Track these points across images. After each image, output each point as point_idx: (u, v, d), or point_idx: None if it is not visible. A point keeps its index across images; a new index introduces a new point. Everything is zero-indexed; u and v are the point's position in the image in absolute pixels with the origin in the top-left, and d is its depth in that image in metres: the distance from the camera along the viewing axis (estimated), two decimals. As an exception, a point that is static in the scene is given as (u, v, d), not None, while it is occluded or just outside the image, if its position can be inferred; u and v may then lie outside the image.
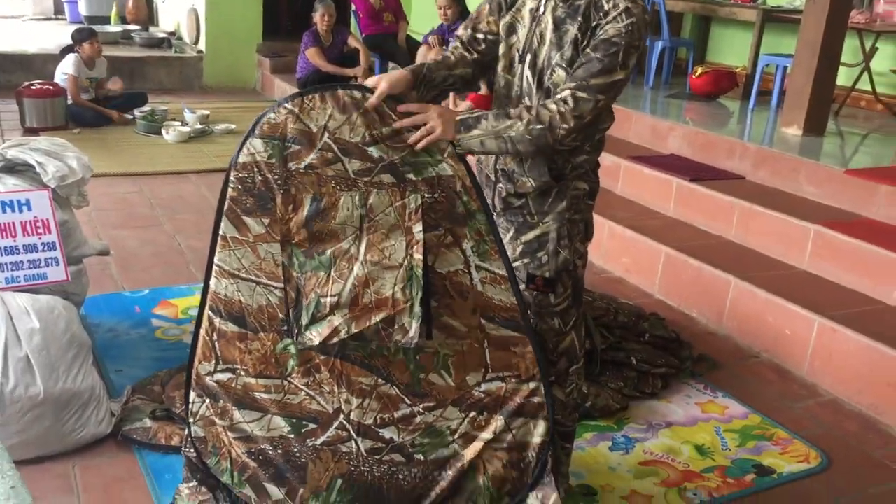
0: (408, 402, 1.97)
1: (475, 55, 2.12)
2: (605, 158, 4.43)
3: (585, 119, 1.87)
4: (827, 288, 3.50)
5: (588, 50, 1.88)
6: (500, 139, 1.88)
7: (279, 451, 2.03)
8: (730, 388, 3.11)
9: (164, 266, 3.96)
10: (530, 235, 2.07)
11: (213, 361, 2.03)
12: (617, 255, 4.14)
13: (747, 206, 3.97)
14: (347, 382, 1.98)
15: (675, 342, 3.31)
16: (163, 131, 6.27)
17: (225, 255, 1.98)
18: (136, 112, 6.56)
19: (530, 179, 2.02)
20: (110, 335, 3.22)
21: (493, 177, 2.10)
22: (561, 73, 1.94)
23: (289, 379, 2.00)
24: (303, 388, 1.99)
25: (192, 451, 2.10)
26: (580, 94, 1.85)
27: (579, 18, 1.92)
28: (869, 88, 5.62)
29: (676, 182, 4.32)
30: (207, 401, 2.05)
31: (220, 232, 1.98)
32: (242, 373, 2.02)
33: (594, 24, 1.90)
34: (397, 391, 1.97)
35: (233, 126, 6.62)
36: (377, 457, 2.00)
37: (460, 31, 2.17)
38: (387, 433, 1.99)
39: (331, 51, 6.99)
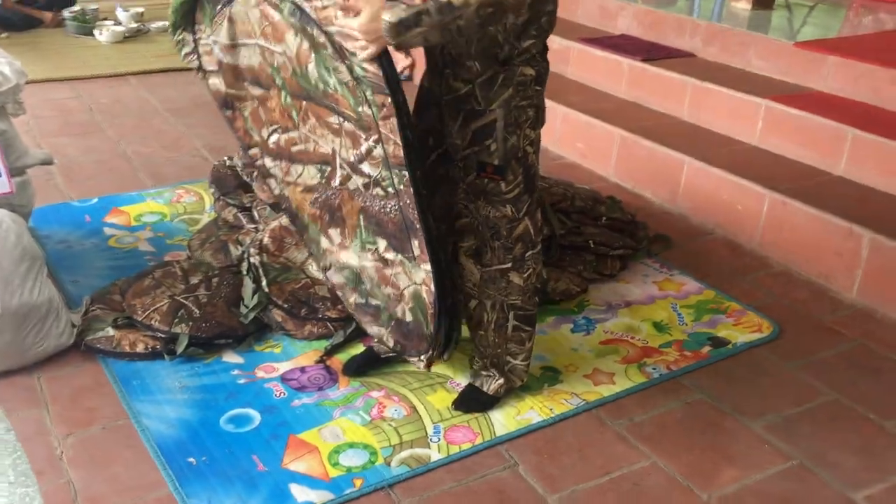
0: (362, 136, 2.07)
1: None
2: (554, 41, 4.38)
3: None
4: (777, 162, 3.55)
5: None
6: (446, 30, 1.81)
7: (323, 196, 2.29)
8: (685, 266, 3.18)
9: (110, 173, 3.87)
10: (479, 123, 2.05)
11: (266, 126, 2.31)
12: (571, 139, 4.13)
13: (699, 84, 3.96)
14: (326, 125, 2.15)
15: (632, 223, 3.35)
16: (95, 32, 6.00)
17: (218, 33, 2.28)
18: (66, 13, 6.25)
19: (476, 64, 1.99)
20: (62, 246, 3.16)
21: (439, 63, 2.06)
22: None
23: (300, 129, 2.23)
24: (309, 134, 2.20)
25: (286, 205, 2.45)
26: None
27: None
28: (816, -42, 5.56)
29: (627, 63, 4.29)
30: (277, 162, 2.37)
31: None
32: (280, 130, 2.29)
33: None
34: (353, 126, 2.08)
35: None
36: (370, 191, 2.15)
37: None
38: (365, 168, 2.12)
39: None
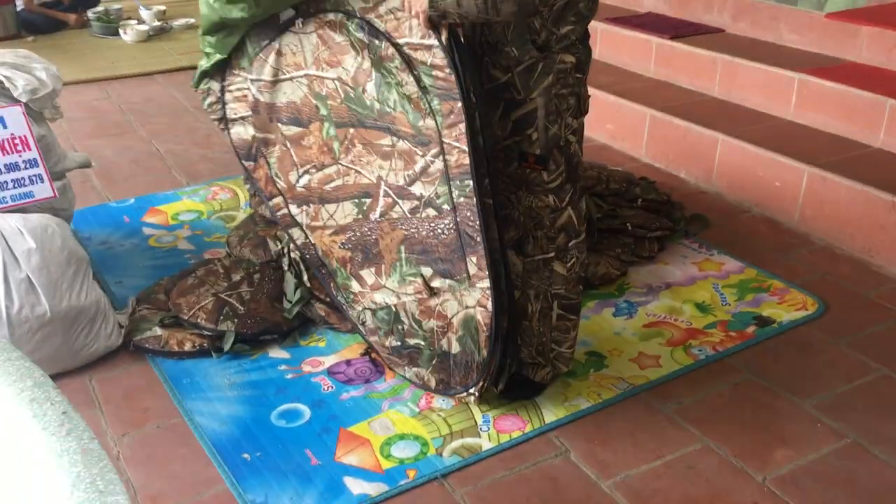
0: (419, 152, 2.05)
1: None
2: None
3: None
4: (814, 136, 3.51)
5: None
6: (482, 2, 1.79)
7: (358, 235, 2.25)
8: (724, 245, 3.16)
9: (145, 173, 3.90)
10: (519, 113, 2.04)
11: (295, 169, 2.26)
12: (601, 121, 4.11)
13: (729, 60, 3.92)
14: (374, 149, 2.12)
15: (668, 204, 3.33)
16: (120, 32, 6.04)
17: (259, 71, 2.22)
18: (90, 13, 6.30)
19: (513, 49, 1.98)
20: (103, 248, 3.20)
21: (478, 51, 2.06)
22: None
23: (340, 162, 2.19)
24: (351, 165, 2.17)
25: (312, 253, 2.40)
26: None
27: None
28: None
29: (656, 41, 4.25)
30: (304, 208, 2.31)
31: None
32: (313, 170, 2.24)
33: None
34: (409, 144, 2.05)
35: (192, 20, 6.38)
36: (418, 215, 2.12)
37: None
38: (416, 190, 2.09)
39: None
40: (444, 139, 1.97)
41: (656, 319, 2.71)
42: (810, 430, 2.24)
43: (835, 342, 2.60)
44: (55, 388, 1.05)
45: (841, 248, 3.12)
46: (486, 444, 2.20)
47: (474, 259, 2.05)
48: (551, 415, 2.29)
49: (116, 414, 2.34)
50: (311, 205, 2.30)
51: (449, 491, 2.06)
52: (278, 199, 2.35)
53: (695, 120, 3.68)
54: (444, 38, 1.87)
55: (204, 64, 2.33)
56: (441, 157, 1.99)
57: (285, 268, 2.78)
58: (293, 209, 2.34)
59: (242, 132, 2.33)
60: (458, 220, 2.03)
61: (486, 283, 2.05)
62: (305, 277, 2.72)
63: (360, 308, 2.36)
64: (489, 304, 2.07)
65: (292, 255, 2.78)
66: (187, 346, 2.56)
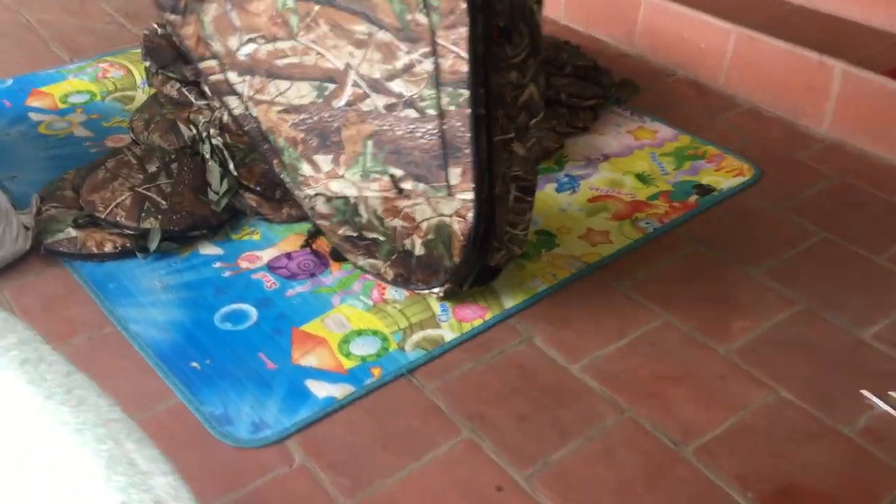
0: (404, 48, 1.84)
1: None
2: None
3: None
4: (737, -5, 3.44)
5: None
6: None
7: (315, 119, 2.00)
8: (655, 111, 3.10)
9: (18, 49, 3.47)
10: None
11: (237, 34, 1.96)
12: (515, -20, 3.90)
13: (647, -87, 3.76)
14: (345, 34, 1.87)
15: (595, 70, 3.23)
16: None
17: None
18: None
19: None
20: (-13, 138, 2.86)
21: None
22: None
23: (298, 38, 1.91)
24: (312, 45, 1.91)
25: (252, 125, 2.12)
26: None
27: None
28: None
29: None
30: (247, 78, 2.02)
31: None
32: (261, 40, 1.95)
33: None
34: (391, 37, 1.84)
35: None
36: (395, 113, 1.92)
37: None
38: (395, 87, 1.89)
39: None
40: (437, 40, 1.75)
41: (600, 193, 2.66)
42: (762, 298, 2.27)
43: (774, 207, 2.62)
44: (46, 344, 0.88)
45: (768, 110, 3.12)
46: (448, 335, 2.12)
47: (459, 170, 1.90)
48: (510, 300, 2.23)
49: (39, 326, 2.09)
50: (255, 76, 2.03)
51: (418, 387, 1.99)
52: (212, 63, 2.06)
53: (615, -22, 3.54)
54: None
55: None
56: (432, 59, 1.78)
57: (207, 155, 2.55)
58: (231, 76, 2.05)
59: None
60: (445, 128, 1.85)
61: (470, 196, 1.92)
62: (231, 165, 2.51)
63: (310, 192, 2.18)
64: (469, 216, 1.94)
65: (213, 140, 2.55)
66: (108, 248, 2.34)
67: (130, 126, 2.86)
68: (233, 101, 2.11)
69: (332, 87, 1.96)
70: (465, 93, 1.80)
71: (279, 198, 2.50)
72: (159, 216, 2.38)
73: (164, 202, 2.42)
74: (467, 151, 1.87)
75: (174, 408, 1.92)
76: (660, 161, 2.82)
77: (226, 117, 2.59)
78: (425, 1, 1.73)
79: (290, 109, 2.04)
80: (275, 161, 2.16)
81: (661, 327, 2.17)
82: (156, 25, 3.13)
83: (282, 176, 2.19)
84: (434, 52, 1.79)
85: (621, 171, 2.76)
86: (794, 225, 2.55)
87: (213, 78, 2.09)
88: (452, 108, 1.83)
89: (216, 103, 2.70)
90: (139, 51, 3.29)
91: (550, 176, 2.72)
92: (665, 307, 2.23)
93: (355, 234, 2.17)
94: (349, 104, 1.96)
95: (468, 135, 1.85)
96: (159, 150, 2.63)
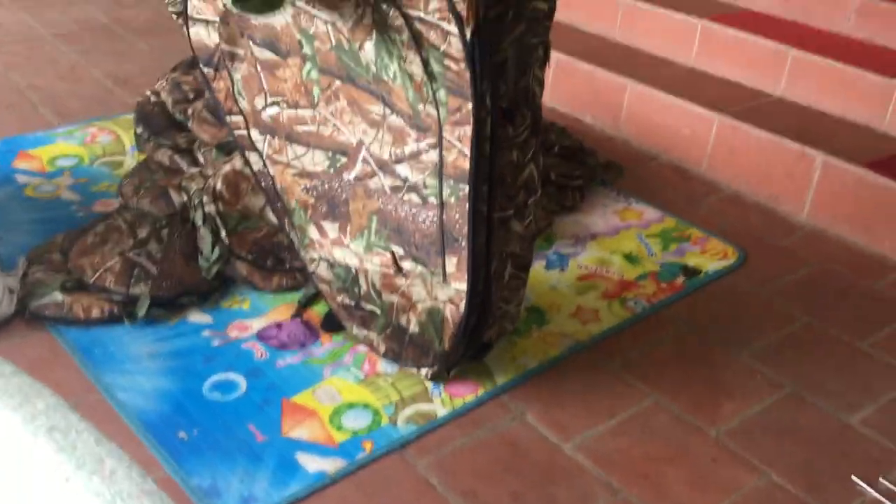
0: (413, 136, 1.85)
1: None
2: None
3: None
4: (718, 84, 3.56)
5: None
6: None
7: (325, 187, 2.01)
8: (639, 193, 3.16)
9: (6, 111, 3.47)
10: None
11: (263, 95, 1.96)
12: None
13: (630, 4, 3.90)
14: (361, 112, 1.88)
15: (581, 151, 3.29)
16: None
17: None
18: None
19: None
20: (-27, 199, 2.83)
21: None
22: None
23: (318, 109, 1.92)
24: (330, 117, 1.92)
25: (268, 183, 2.15)
26: None
27: None
28: None
29: (554, -19, 4.16)
30: (268, 137, 2.02)
31: None
32: (284, 105, 1.96)
33: None
34: (402, 122, 1.84)
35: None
36: (399, 195, 1.93)
37: None
38: (402, 171, 1.89)
39: None
40: (444, 134, 1.77)
41: (588, 272, 2.68)
42: (750, 380, 2.29)
43: (758, 291, 2.66)
44: (73, 411, 0.86)
45: (750, 196, 3.20)
46: (440, 410, 2.11)
47: (455, 260, 1.90)
48: (502, 376, 2.23)
49: (21, 392, 2.08)
50: (276, 137, 2.04)
51: (411, 462, 1.96)
52: (238, 118, 2.07)
53: (600, 64, 3.65)
54: (468, 30, 1.64)
55: None
56: (437, 151, 1.80)
57: (199, 222, 2.54)
58: (254, 133, 2.06)
59: (205, 36, 1.99)
60: (444, 218, 1.86)
61: (463, 287, 1.92)
62: (223, 233, 2.50)
63: (315, 256, 2.18)
64: (462, 306, 1.95)
65: (206, 208, 2.55)
66: (95, 313, 2.31)
67: (120, 191, 2.86)
68: (253, 157, 2.13)
69: (343, 159, 1.98)
70: (466, 188, 1.82)
71: (270, 266, 2.49)
72: (149, 282, 2.36)
73: (154, 268, 2.40)
74: (464, 244, 1.89)
75: (161, 479, 1.87)
76: (647, 242, 2.86)
77: (219, 185, 2.59)
78: (434, 95, 1.75)
79: (304, 174, 2.05)
80: (285, 220, 2.17)
81: (652, 408, 2.18)
82: (149, 93, 3.16)
83: (290, 236, 2.20)
84: (440, 145, 1.81)
85: (609, 250, 2.80)
86: (779, 309, 2.59)
87: (237, 132, 2.11)
88: (452, 200, 1.85)
89: (210, 170, 2.72)
90: (129, 117, 3.33)
91: (540, 253, 2.74)
92: (655, 387, 2.24)
93: (353, 304, 2.17)
94: (358, 179, 1.97)
95: (465, 228, 1.86)
96: (150, 217, 2.62)
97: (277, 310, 2.42)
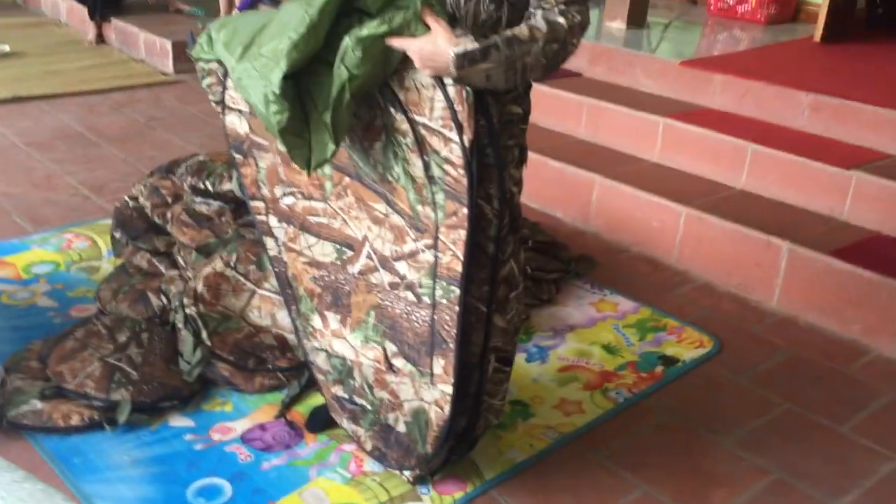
0: (412, 235, 1.86)
1: None
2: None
3: (586, 31, 1.76)
4: (682, 178, 3.68)
5: None
6: (511, 70, 1.67)
7: (332, 278, 2.03)
8: (613, 284, 3.22)
9: (-19, 219, 3.47)
10: None
11: (282, 185, 2.00)
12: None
13: (594, 103, 4.05)
14: (366, 209, 1.91)
15: (554, 245, 3.36)
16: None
17: None
18: None
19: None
20: (-52, 308, 2.80)
21: None
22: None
23: (329, 202, 1.96)
24: (339, 211, 1.95)
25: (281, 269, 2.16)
26: (573, 6, 1.72)
27: None
28: (669, -22, 5.86)
29: (520, 83, 4.31)
30: (284, 225, 2.08)
31: None
32: (300, 196, 1.99)
33: None
34: (403, 222, 1.87)
35: (6, 47, 5.83)
36: (396, 292, 1.94)
37: None
38: (401, 268, 1.91)
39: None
40: (440, 236, 1.81)
41: (569, 363, 2.71)
42: (736, 467, 2.30)
43: (736, 378, 2.70)
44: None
45: (720, 285, 3.27)
46: (430, 509, 2.08)
47: (442, 362, 1.91)
48: (489, 471, 2.22)
49: None
50: (291, 226, 2.07)
51: (402, 564, 1.93)
52: (260, 204, 2.10)
53: (569, 161, 3.76)
54: (467, 139, 1.70)
55: (214, 36, 1.87)
56: (433, 251, 1.83)
57: (179, 325, 2.54)
58: (273, 220, 2.10)
59: (238, 125, 2.03)
60: (435, 318, 1.88)
61: (449, 389, 1.93)
62: (205, 335, 2.50)
63: (316, 345, 2.18)
64: (447, 409, 1.95)
65: (187, 310, 2.55)
66: (74, 420, 2.27)
67: (97, 296, 2.85)
68: (270, 242, 2.15)
69: (350, 253, 2.00)
70: (457, 290, 1.84)
71: (252, 367, 2.48)
72: (130, 387, 2.34)
73: (134, 372, 2.38)
74: (452, 346, 1.89)
75: (145, 591, 1.82)
76: (624, 332, 2.90)
77: (200, 287, 2.60)
78: (433, 198, 1.79)
79: (314, 264, 2.08)
80: (292, 307, 2.19)
81: (641, 499, 2.17)
82: (127, 198, 3.19)
83: (295, 323, 2.21)
84: (435, 246, 1.84)
85: (588, 341, 2.83)
86: (758, 395, 2.62)
87: (259, 217, 2.14)
88: (444, 301, 1.87)
89: (190, 273, 2.73)
90: (105, 222, 3.35)
91: (520, 346, 2.76)
92: (643, 478, 2.23)
93: (346, 397, 2.17)
94: (361, 273, 2.00)
95: (454, 331, 1.88)
96: (129, 321, 2.61)
97: (261, 411, 2.40)
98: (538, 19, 1.71)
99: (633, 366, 2.72)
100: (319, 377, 2.22)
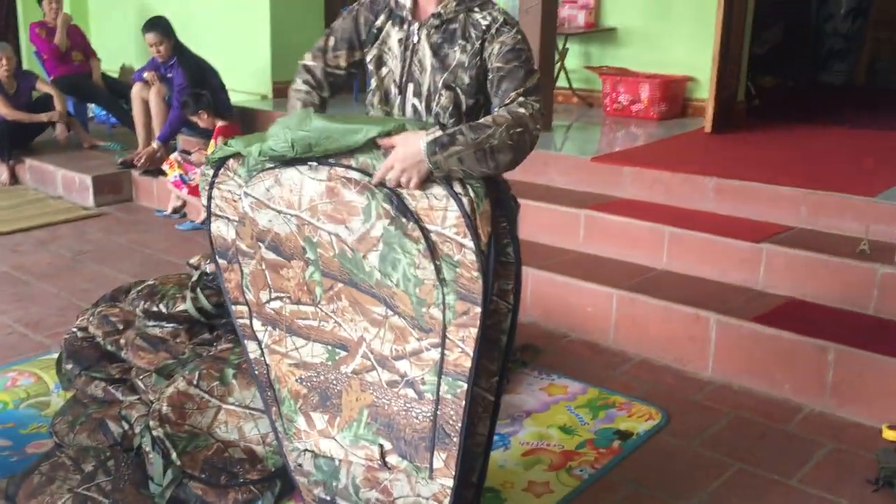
0: (415, 335, 1.92)
1: (328, 90, 2.19)
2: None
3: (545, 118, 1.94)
4: (609, 264, 3.90)
5: (499, 64, 1.96)
6: (480, 151, 1.82)
7: (321, 378, 2.07)
8: (559, 369, 3.37)
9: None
10: None
11: (268, 290, 2.08)
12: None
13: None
14: (363, 311, 1.97)
15: (498, 338, 3.49)
16: None
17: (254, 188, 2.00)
18: None
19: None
20: None
21: None
22: (447, 95, 2.01)
23: (320, 306, 2.01)
24: (331, 314, 2.01)
25: (262, 371, 2.20)
26: (531, 97, 1.92)
27: (459, 41, 2.01)
28: (566, 85, 6.28)
29: (443, 189, 4.52)
30: (269, 328, 2.12)
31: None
32: (287, 300, 2.04)
33: (477, 42, 2.00)
34: (405, 323, 1.92)
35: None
36: (395, 389, 1.98)
37: (312, 63, 2.16)
38: (401, 366, 1.96)
39: (17, 98, 6.34)
40: (448, 335, 1.88)
41: (531, 447, 2.81)
42: (703, 528, 2.42)
43: (688, 445, 2.85)
44: None
45: (657, 360, 3.45)
46: None
47: (443, 456, 1.97)
48: (475, 558, 2.27)
49: None
50: (277, 329, 2.11)
51: None
52: (243, 308, 2.14)
53: (500, 258, 3.94)
54: (483, 243, 1.82)
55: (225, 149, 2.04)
56: (439, 349, 1.90)
57: (147, 448, 2.53)
58: (256, 324, 2.14)
59: (224, 231, 2.09)
60: (439, 413, 1.95)
61: (450, 483, 1.99)
62: (174, 455, 2.50)
63: (300, 446, 2.20)
64: (446, 502, 2.01)
65: (154, 432, 2.55)
66: (49, 556, 2.23)
67: (52, 430, 2.81)
68: (251, 346, 2.19)
69: (343, 353, 2.05)
70: (464, 385, 1.91)
71: (224, 483, 2.49)
72: (104, 515, 2.32)
73: (106, 501, 2.37)
74: (456, 440, 1.95)
75: None
76: (577, 412, 3.03)
77: (164, 408, 2.62)
78: (444, 299, 1.86)
79: (301, 365, 2.12)
80: (273, 409, 2.21)
81: (622, 567, 2.26)
82: (75, 329, 3.18)
83: (275, 425, 2.23)
84: (443, 345, 1.91)
85: (545, 424, 2.95)
86: (710, 459, 2.77)
87: (240, 321, 2.18)
88: (449, 396, 1.94)
89: (152, 395, 2.74)
90: (48, 357, 3.33)
91: (481, 437, 2.85)
92: (620, 548, 2.33)
93: (328, 499, 2.19)
94: (355, 372, 2.05)
95: (459, 425, 1.94)
96: (93, 450, 2.59)
97: (238, 526, 2.40)
98: (500, 111, 1.90)
99: (591, 443, 2.84)
100: (300, 479, 2.25)
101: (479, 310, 1.84)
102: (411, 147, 1.83)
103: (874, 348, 3.00)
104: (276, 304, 2.07)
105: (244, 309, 2.12)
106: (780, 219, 3.83)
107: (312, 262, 1.98)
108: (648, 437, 2.89)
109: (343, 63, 2.16)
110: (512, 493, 2.56)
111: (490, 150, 1.83)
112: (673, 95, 5.79)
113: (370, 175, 1.88)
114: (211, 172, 2.05)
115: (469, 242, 1.81)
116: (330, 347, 2.05)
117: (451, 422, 1.94)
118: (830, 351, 3.05)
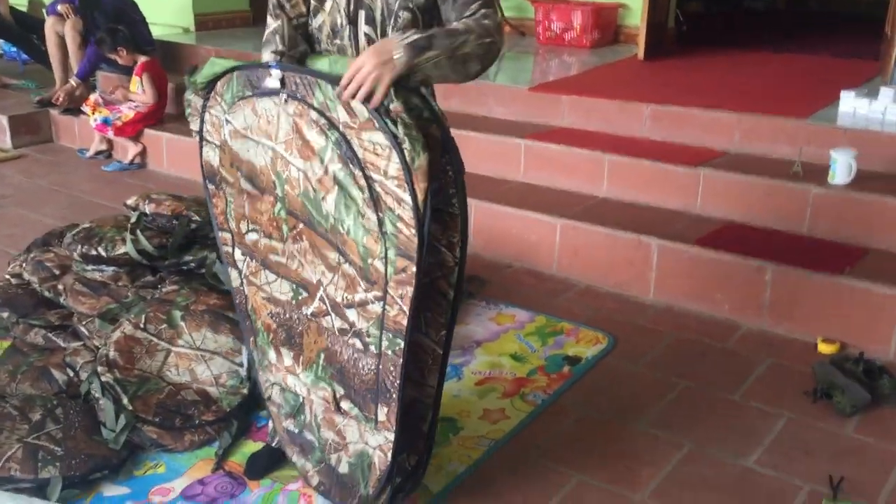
0: (363, 286, 1.90)
1: (303, 42, 2.06)
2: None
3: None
4: (550, 193, 3.93)
5: None
6: (453, 59, 1.79)
7: (287, 316, 2.07)
8: (507, 298, 3.40)
9: None
10: None
11: (246, 221, 2.08)
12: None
13: (456, 133, 4.22)
14: (321, 255, 1.95)
15: (443, 270, 3.50)
16: None
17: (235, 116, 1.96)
18: None
19: None
20: None
21: None
22: (407, 14, 1.95)
23: (286, 244, 2.00)
24: (296, 254, 1.99)
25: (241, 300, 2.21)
26: (489, 9, 1.89)
27: None
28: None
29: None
30: (247, 259, 2.13)
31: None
32: (262, 234, 2.04)
33: None
34: (354, 272, 1.90)
35: None
36: (345, 338, 1.98)
37: (275, 24, 2.02)
38: (350, 315, 1.95)
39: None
40: (389, 290, 1.85)
41: (484, 376, 2.85)
42: (654, 445, 2.50)
43: (634, 367, 2.93)
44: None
45: (600, 287, 3.51)
46: (386, 530, 2.14)
47: (385, 410, 1.97)
48: (435, 485, 2.31)
49: None
50: (253, 260, 2.10)
51: (375, 584, 1.98)
52: (227, 235, 2.11)
53: (441, 190, 3.92)
54: (420, 200, 1.73)
55: (207, 71, 1.98)
56: (381, 303, 1.88)
57: (97, 394, 2.48)
58: (237, 253, 2.12)
59: (212, 157, 2.05)
60: (380, 367, 1.93)
61: (391, 437, 1.98)
62: (125, 400, 2.46)
63: (271, 378, 2.21)
64: (389, 454, 2.00)
65: (103, 378, 2.50)
66: (3, 506, 2.18)
67: (-7, 381, 2.72)
68: (234, 273, 2.17)
69: (304, 294, 2.03)
70: (401, 343, 1.89)
71: (179, 425, 2.47)
72: (57, 463, 2.27)
73: (58, 448, 2.31)
74: (395, 396, 1.95)
75: None
76: (526, 340, 3.08)
77: (111, 353, 2.56)
78: (385, 252, 1.83)
79: (272, 300, 2.11)
80: (250, 338, 2.21)
81: (580, 487, 2.32)
82: (8, 276, 3.07)
83: (253, 354, 2.24)
84: (384, 299, 1.88)
85: (496, 353, 2.99)
86: (656, 379, 2.85)
87: (225, 248, 2.16)
88: (389, 352, 1.92)
89: (98, 341, 2.67)
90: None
91: (434, 368, 2.88)
92: (576, 468, 2.39)
93: (297, 431, 2.20)
94: (314, 315, 2.03)
95: (398, 381, 1.93)
96: (39, 398, 2.53)
97: (196, 467, 2.39)
98: (466, 21, 1.86)
99: (542, 369, 2.89)
100: (272, 409, 2.26)
101: (414, 269, 1.79)
102: (384, 45, 1.77)
103: (809, 266, 3.11)
104: (252, 237, 2.06)
105: (228, 236, 2.12)
106: (716, 143, 3.90)
107: (280, 199, 1.94)
108: (597, 362, 2.95)
109: (304, 8, 2.06)
110: (468, 421, 2.60)
111: (463, 59, 1.81)
112: (605, 23, 5.78)
113: (328, 119, 1.81)
114: (199, 99, 2.01)
115: (407, 197, 1.74)
116: (294, 286, 2.04)
117: (391, 377, 1.93)
118: (767, 270, 3.15)
